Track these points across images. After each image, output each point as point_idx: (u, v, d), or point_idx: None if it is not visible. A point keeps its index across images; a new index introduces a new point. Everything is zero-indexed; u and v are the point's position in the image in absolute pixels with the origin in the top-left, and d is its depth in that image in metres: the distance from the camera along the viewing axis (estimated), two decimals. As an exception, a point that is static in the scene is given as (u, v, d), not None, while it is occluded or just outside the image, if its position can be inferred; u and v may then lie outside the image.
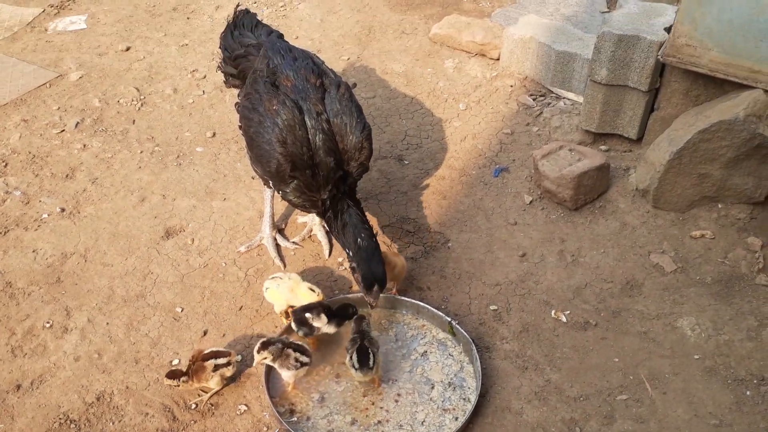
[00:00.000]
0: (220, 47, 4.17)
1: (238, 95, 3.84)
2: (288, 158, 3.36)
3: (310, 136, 3.39)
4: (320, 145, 3.39)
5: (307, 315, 3.29)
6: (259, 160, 3.56)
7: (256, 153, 3.57)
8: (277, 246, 3.93)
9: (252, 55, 3.85)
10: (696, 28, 3.84)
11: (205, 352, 3.19)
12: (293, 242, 3.98)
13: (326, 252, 3.97)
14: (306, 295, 3.43)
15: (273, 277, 3.52)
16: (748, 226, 3.94)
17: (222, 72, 4.15)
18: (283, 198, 3.60)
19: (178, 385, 3.12)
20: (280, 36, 4.14)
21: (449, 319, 3.44)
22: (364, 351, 3.13)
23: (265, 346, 3.08)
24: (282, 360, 3.10)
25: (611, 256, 3.87)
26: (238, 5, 4.37)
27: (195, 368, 3.12)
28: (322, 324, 3.30)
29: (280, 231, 4.04)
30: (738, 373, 3.26)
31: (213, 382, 3.15)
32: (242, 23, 4.16)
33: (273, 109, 3.41)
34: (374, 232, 3.47)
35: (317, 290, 3.47)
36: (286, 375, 3.16)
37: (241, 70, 3.94)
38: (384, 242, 3.96)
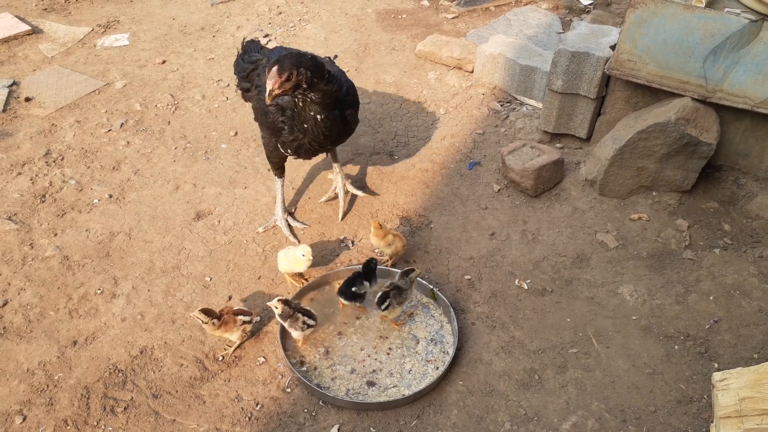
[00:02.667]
0: (234, 73, 4.03)
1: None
2: (278, 107, 3.35)
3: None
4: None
5: (354, 289, 3.28)
6: (262, 121, 3.59)
7: (259, 118, 3.61)
8: (289, 226, 3.91)
9: (260, 65, 3.76)
10: (636, 46, 3.82)
11: (234, 308, 3.19)
12: (302, 223, 3.96)
13: (340, 214, 3.97)
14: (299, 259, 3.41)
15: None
16: (677, 210, 3.94)
17: (239, 90, 4.02)
18: (282, 145, 3.53)
19: (206, 323, 3.09)
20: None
21: (431, 287, 3.44)
22: (384, 295, 3.17)
23: (281, 301, 3.09)
24: (292, 321, 3.10)
25: (565, 234, 3.87)
26: (244, 39, 4.25)
27: (225, 319, 3.11)
28: (367, 288, 3.32)
29: (291, 214, 4.01)
30: (668, 331, 3.28)
31: (235, 336, 3.14)
32: (249, 49, 4.04)
33: (265, 81, 3.26)
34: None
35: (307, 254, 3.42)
36: (296, 334, 3.15)
37: (255, 84, 3.86)
38: (386, 222, 3.95)
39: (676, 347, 3.20)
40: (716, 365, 3.08)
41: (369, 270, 3.34)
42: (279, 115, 3.40)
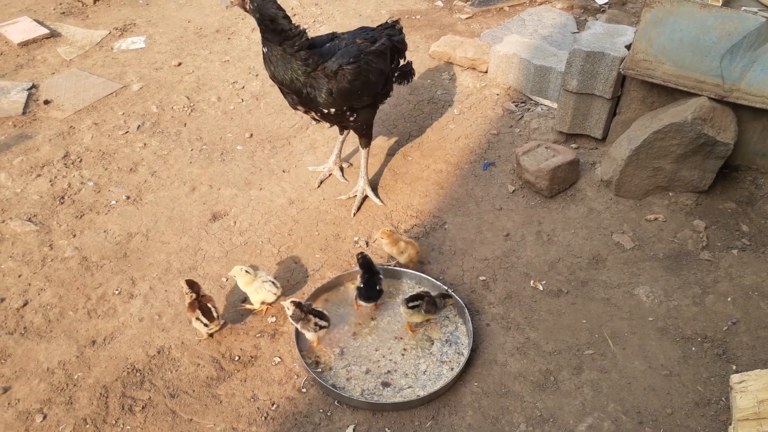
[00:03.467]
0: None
1: None
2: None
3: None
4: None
5: (377, 287, 3.33)
6: None
7: None
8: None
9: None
10: (651, 45, 3.79)
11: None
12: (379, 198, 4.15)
13: (353, 211, 4.05)
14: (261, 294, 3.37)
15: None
16: (694, 211, 3.90)
17: None
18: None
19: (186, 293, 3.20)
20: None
21: (446, 288, 3.43)
22: (417, 296, 3.19)
23: (293, 303, 3.11)
24: (304, 323, 3.10)
25: (580, 235, 3.84)
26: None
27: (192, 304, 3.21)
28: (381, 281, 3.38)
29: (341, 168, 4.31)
30: (685, 332, 3.24)
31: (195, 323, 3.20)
32: None
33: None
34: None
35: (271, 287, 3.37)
36: (309, 335, 3.16)
37: None
38: (400, 223, 3.95)
39: (693, 349, 3.16)
40: (734, 367, 3.05)
41: (367, 263, 3.35)
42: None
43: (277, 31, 3.40)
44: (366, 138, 3.99)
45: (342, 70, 3.51)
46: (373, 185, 4.24)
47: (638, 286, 3.50)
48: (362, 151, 4.05)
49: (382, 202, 4.11)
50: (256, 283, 3.32)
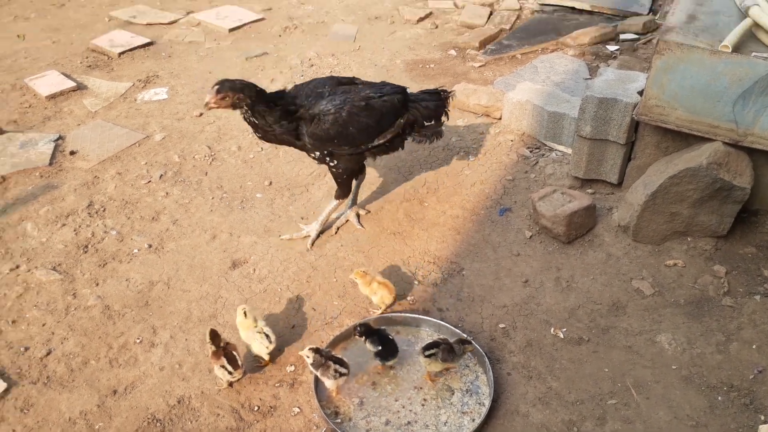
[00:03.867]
0: None
1: None
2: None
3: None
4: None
5: (371, 348, 3.29)
6: None
7: None
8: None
9: None
10: (663, 92, 3.82)
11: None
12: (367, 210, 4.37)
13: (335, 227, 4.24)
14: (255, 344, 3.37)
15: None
16: (714, 256, 3.87)
17: None
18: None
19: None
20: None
21: (465, 335, 3.40)
22: (433, 344, 3.19)
23: (312, 350, 3.11)
24: (324, 369, 3.09)
25: (599, 281, 3.82)
26: None
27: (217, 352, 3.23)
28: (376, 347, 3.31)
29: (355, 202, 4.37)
30: (710, 381, 3.18)
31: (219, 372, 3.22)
32: None
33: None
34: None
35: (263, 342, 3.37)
36: (328, 383, 3.14)
37: None
38: (417, 269, 3.95)
39: (719, 398, 3.10)
40: (762, 417, 2.97)
41: (369, 329, 3.33)
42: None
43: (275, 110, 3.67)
44: (340, 188, 4.09)
45: (319, 117, 3.68)
46: (390, 230, 4.27)
47: (660, 333, 3.45)
48: (331, 201, 4.17)
49: (311, 246, 4.16)
50: (250, 333, 3.33)
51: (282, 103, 3.69)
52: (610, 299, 3.68)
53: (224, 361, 3.15)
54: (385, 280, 3.62)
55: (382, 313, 3.62)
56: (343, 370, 3.12)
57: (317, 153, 3.86)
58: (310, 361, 3.10)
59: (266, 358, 3.36)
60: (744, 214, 3.94)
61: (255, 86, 3.62)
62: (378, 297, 3.57)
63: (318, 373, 3.11)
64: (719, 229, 3.88)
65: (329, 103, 3.69)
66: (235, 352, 3.20)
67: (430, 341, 3.21)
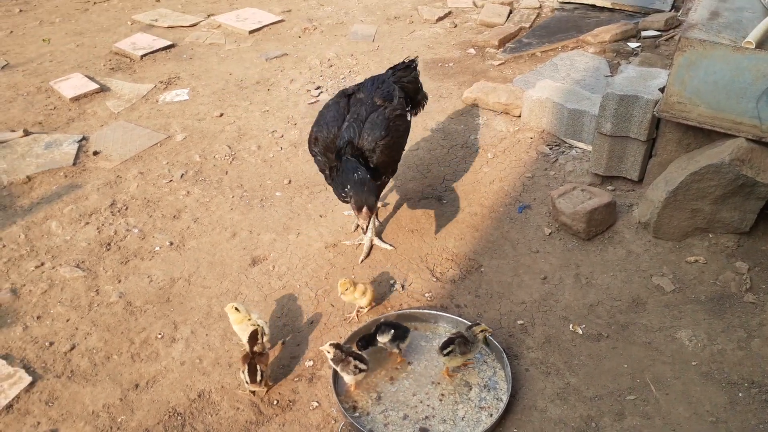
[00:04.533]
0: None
1: None
2: (314, 135, 3.88)
3: (342, 128, 3.78)
4: (343, 135, 3.75)
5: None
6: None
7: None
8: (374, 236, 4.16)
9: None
10: (685, 88, 3.81)
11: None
12: (391, 245, 4.19)
13: (360, 257, 4.11)
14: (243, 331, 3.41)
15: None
16: (736, 252, 3.85)
17: None
18: (315, 161, 3.97)
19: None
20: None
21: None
22: (448, 341, 3.20)
23: (333, 345, 3.16)
24: (344, 365, 3.13)
25: (619, 278, 3.81)
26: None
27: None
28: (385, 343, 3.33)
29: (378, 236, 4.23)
30: (731, 378, 3.16)
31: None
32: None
33: (327, 104, 4.04)
34: (373, 179, 3.65)
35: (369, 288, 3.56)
36: (348, 378, 3.18)
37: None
38: (435, 266, 3.98)
39: (740, 395, 3.08)
40: (784, 414, 2.96)
41: (367, 338, 3.34)
42: (312, 143, 3.93)
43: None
44: (379, 193, 4.10)
45: (378, 146, 3.76)
46: (408, 227, 4.30)
47: (680, 329, 3.44)
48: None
49: (392, 246, 4.16)
50: (245, 325, 3.38)
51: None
52: (629, 296, 3.68)
53: (245, 368, 3.16)
54: (367, 284, 3.61)
55: (358, 313, 3.64)
56: (363, 366, 3.16)
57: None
58: (330, 356, 3.14)
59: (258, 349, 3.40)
60: (767, 211, 3.90)
61: (365, 175, 3.60)
62: (366, 299, 3.58)
63: (338, 369, 3.16)
64: (741, 225, 3.85)
65: (375, 130, 3.76)
66: (260, 366, 3.16)
67: (446, 339, 3.23)
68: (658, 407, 3.06)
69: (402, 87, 4.25)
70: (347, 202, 3.63)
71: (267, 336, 3.40)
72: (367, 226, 3.65)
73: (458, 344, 3.15)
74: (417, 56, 4.66)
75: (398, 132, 3.94)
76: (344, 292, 3.54)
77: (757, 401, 3.04)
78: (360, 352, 3.21)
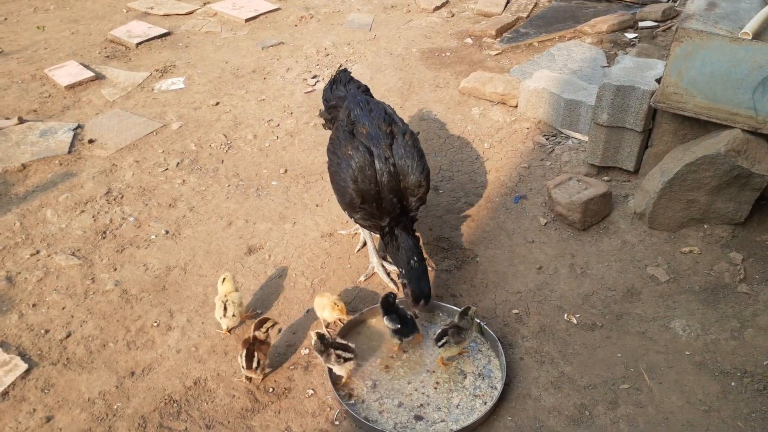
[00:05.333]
0: (322, 98, 4.33)
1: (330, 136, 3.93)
2: (358, 193, 3.44)
3: (377, 176, 3.44)
4: (385, 183, 3.44)
5: (389, 325, 3.34)
6: (338, 193, 3.67)
7: (335, 187, 3.68)
8: (386, 271, 3.89)
9: (340, 105, 3.99)
10: (682, 79, 3.82)
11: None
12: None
13: (357, 247, 4.08)
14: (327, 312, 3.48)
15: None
16: (730, 243, 3.87)
17: (321, 117, 4.33)
18: (354, 221, 3.67)
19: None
20: (366, 90, 4.24)
21: (478, 321, 3.44)
22: (442, 333, 3.21)
23: (317, 335, 3.19)
24: (326, 357, 3.15)
25: (614, 268, 3.84)
26: (340, 66, 4.58)
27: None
28: (395, 323, 3.34)
29: (384, 258, 3.99)
30: (724, 367, 3.20)
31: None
32: (339, 79, 4.30)
33: (348, 154, 3.49)
34: (424, 256, 3.49)
35: (339, 303, 3.48)
36: (336, 369, 3.19)
37: (333, 117, 4.08)
38: (431, 256, 4.00)
39: (732, 384, 3.11)
40: (776, 403, 2.99)
41: (388, 305, 3.38)
42: (359, 201, 3.47)
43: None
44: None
45: (421, 185, 3.53)
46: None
47: (674, 319, 3.47)
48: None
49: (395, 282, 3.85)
50: (218, 299, 3.47)
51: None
52: (624, 286, 3.70)
53: (243, 353, 3.18)
54: (337, 301, 3.53)
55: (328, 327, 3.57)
56: (347, 355, 3.15)
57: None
58: (313, 344, 3.18)
59: (223, 328, 3.51)
60: (762, 202, 3.93)
61: (422, 263, 3.44)
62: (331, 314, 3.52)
63: (322, 359, 3.17)
64: (736, 216, 3.88)
65: (418, 168, 3.51)
66: (258, 354, 3.18)
67: (439, 331, 3.24)
68: (652, 396, 3.09)
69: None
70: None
71: (229, 320, 3.46)
72: (420, 316, 3.46)
73: (452, 334, 3.17)
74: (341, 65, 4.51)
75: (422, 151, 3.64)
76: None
77: (749, 390, 3.07)
78: (344, 342, 3.21)
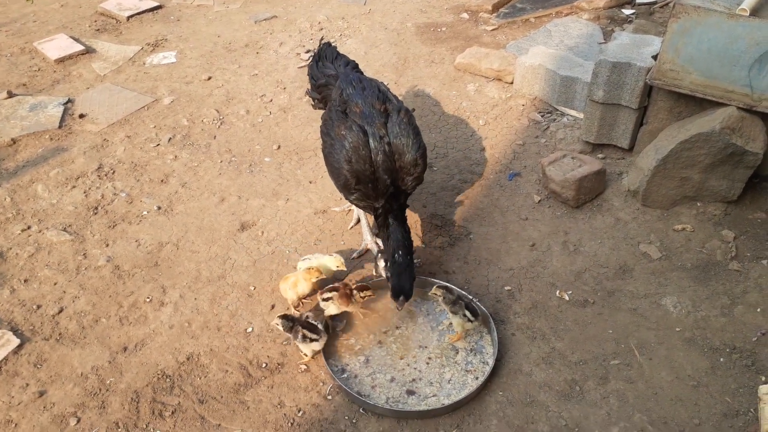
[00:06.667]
0: (308, 75, 4.25)
1: (322, 117, 3.86)
2: (353, 174, 3.40)
3: (372, 156, 3.40)
4: (380, 163, 3.40)
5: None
6: (332, 174, 3.64)
7: (330, 169, 3.65)
8: (379, 248, 3.86)
9: (331, 84, 3.92)
10: (678, 56, 3.81)
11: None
12: None
13: (350, 224, 4.09)
14: (327, 260, 3.51)
15: (303, 259, 3.63)
16: (723, 221, 3.89)
17: (309, 97, 4.27)
18: (349, 202, 3.66)
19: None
20: (355, 66, 4.17)
21: (471, 297, 3.47)
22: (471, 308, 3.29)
23: (280, 317, 3.22)
24: (294, 334, 3.18)
25: (607, 245, 3.86)
26: (321, 39, 4.49)
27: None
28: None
29: (377, 235, 3.93)
30: (713, 343, 3.24)
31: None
32: (325, 55, 4.22)
33: (341, 134, 3.45)
34: (413, 249, 3.45)
35: (335, 255, 3.52)
36: (302, 347, 3.21)
37: (324, 96, 4.02)
38: (425, 234, 4.01)
39: (721, 360, 3.15)
40: (763, 378, 3.03)
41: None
42: (353, 182, 3.43)
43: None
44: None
45: (418, 164, 3.49)
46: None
47: (665, 296, 3.50)
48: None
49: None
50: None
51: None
52: (616, 263, 3.73)
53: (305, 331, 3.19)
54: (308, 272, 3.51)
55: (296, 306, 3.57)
56: (313, 336, 3.17)
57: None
58: (280, 328, 3.20)
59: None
60: (755, 180, 3.95)
61: (407, 257, 3.37)
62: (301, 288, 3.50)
63: (292, 337, 3.20)
64: (729, 194, 3.90)
65: (415, 145, 3.47)
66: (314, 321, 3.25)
67: (452, 299, 3.27)
68: (642, 372, 3.14)
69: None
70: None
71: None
72: (400, 309, 3.39)
73: (460, 307, 3.23)
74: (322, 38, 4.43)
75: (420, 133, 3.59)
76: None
77: (738, 366, 3.11)
78: (314, 323, 3.22)
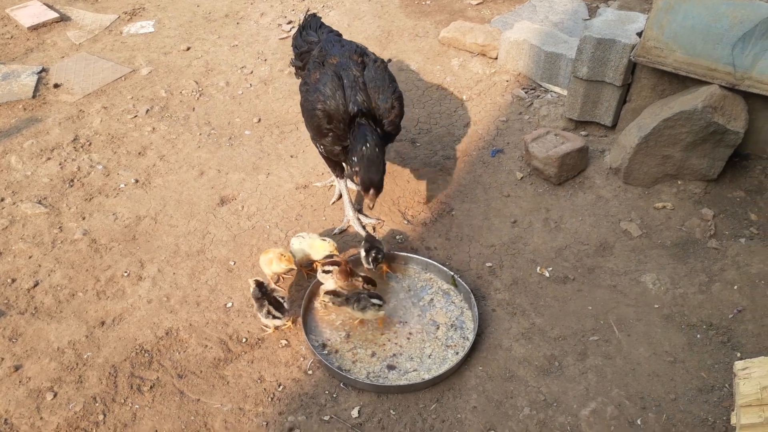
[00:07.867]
0: (292, 45, 4.21)
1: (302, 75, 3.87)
2: (325, 114, 3.42)
3: (345, 94, 3.41)
4: (356, 100, 3.41)
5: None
6: (306, 119, 3.64)
7: (305, 115, 3.64)
8: (362, 224, 3.88)
9: (313, 50, 3.91)
10: (663, 33, 3.80)
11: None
12: (377, 218, 3.95)
13: (332, 199, 4.07)
14: (320, 245, 3.46)
15: (297, 236, 3.59)
16: (702, 199, 3.93)
17: (293, 66, 4.23)
18: (324, 149, 3.62)
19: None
20: (339, 35, 4.14)
21: (452, 273, 3.48)
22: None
23: (256, 282, 3.25)
24: (259, 305, 3.19)
25: (588, 223, 3.88)
26: (308, 10, 4.45)
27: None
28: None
29: (360, 211, 3.99)
30: (690, 320, 3.28)
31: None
32: (309, 25, 4.19)
33: (316, 78, 3.50)
34: (382, 145, 3.40)
35: (329, 240, 3.48)
36: (263, 320, 3.22)
37: (306, 62, 3.98)
38: (408, 209, 3.99)
39: (698, 336, 3.20)
40: (738, 354, 3.08)
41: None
42: (325, 121, 3.45)
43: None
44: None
45: (394, 104, 3.51)
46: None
47: (645, 273, 3.54)
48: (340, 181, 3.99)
49: (377, 219, 3.93)
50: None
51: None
52: (597, 240, 3.75)
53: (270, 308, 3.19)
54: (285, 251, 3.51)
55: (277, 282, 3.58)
56: (276, 314, 3.17)
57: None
58: (251, 290, 3.21)
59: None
60: (735, 158, 3.98)
61: (375, 150, 3.35)
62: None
63: (256, 306, 3.20)
64: (710, 172, 3.93)
65: (386, 92, 3.51)
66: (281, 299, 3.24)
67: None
68: (620, 348, 3.17)
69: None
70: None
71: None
72: (373, 206, 3.42)
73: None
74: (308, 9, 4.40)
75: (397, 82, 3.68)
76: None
77: (714, 343, 3.17)
78: (282, 300, 3.20)
